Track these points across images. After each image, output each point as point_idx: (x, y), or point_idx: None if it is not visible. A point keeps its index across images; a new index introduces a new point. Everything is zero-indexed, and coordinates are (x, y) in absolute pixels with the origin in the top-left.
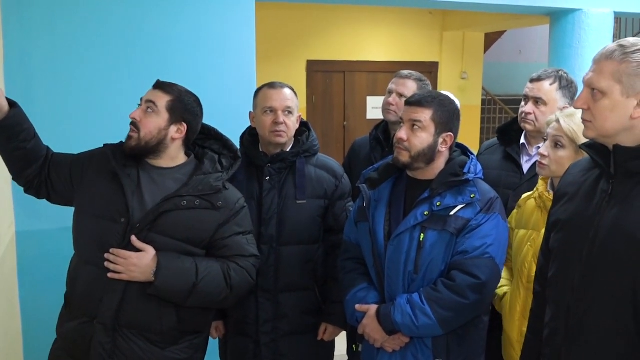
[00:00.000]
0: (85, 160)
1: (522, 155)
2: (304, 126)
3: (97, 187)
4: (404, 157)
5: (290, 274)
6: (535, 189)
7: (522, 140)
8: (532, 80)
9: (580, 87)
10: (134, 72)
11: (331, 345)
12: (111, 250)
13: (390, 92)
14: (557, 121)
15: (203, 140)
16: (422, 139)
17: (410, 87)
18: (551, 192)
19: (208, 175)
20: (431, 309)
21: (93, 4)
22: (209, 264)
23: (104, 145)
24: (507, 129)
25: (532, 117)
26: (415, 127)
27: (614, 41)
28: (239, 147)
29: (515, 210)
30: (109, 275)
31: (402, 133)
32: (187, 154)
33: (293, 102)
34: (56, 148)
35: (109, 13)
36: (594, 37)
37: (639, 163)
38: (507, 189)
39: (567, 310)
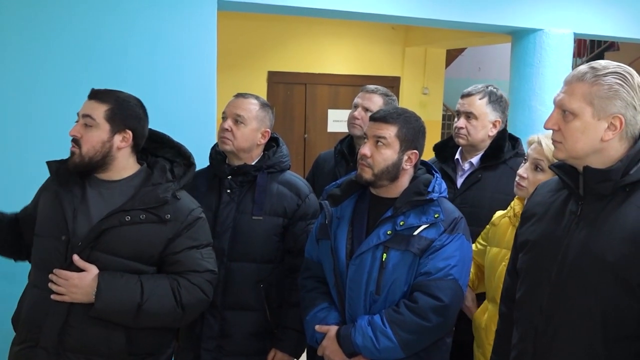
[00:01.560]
0: (37, 194)
1: (457, 170)
2: (273, 141)
3: (44, 208)
4: (367, 174)
5: (239, 291)
6: (510, 208)
7: (457, 156)
8: (462, 96)
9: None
10: (91, 82)
11: None
12: (54, 271)
13: (356, 106)
14: (539, 143)
15: (157, 148)
16: (386, 155)
17: (376, 102)
18: None
19: (157, 186)
20: (392, 332)
21: (48, 13)
22: (157, 282)
23: (46, 162)
24: (443, 145)
25: (464, 131)
26: (380, 143)
27: (573, 61)
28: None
29: (488, 227)
30: (52, 297)
31: (365, 149)
32: (140, 162)
33: (249, 112)
34: (12, 158)
35: (65, 20)
36: (554, 57)
37: (608, 185)
38: None
39: (535, 332)
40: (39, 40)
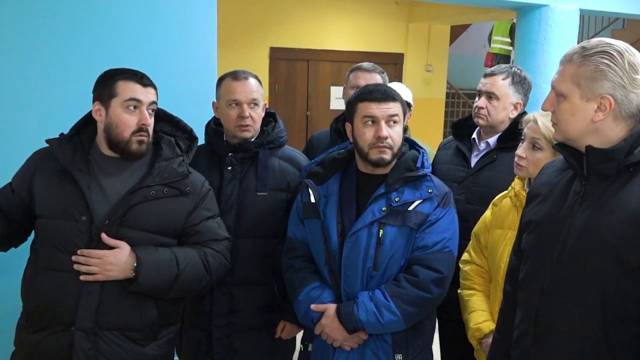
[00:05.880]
0: (26, 176)
1: (473, 150)
2: (270, 116)
3: (48, 189)
4: (388, 156)
5: (246, 267)
6: (510, 188)
7: (474, 135)
8: (485, 75)
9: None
10: (85, 59)
11: (290, 343)
12: (80, 252)
13: (357, 87)
14: (535, 121)
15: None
16: (399, 133)
17: (378, 81)
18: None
19: (170, 160)
20: (396, 305)
21: None
22: (186, 252)
23: (47, 140)
24: (462, 124)
25: (484, 111)
26: (393, 122)
27: (578, 38)
28: (203, 136)
29: (489, 211)
30: (82, 277)
31: (385, 131)
32: None
33: (258, 92)
34: (5, 135)
35: None
36: (560, 34)
37: (612, 165)
38: (453, 182)
39: (536, 314)
40: (32, 14)
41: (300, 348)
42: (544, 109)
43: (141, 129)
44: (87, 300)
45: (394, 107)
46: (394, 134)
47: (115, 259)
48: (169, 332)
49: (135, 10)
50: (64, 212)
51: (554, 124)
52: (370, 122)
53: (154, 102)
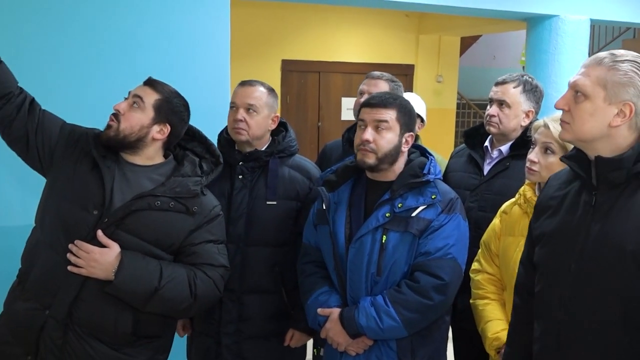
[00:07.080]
0: (75, 136)
1: (486, 157)
2: (281, 125)
3: (77, 170)
4: (371, 159)
5: (256, 275)
6: (518, 195)
7: (486, 143)
8: (497, 84)
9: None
10: (102, 72)
11: (299, 352)
12: (76, 242)
13: (362, 93)
14: (546, 126)
15: (186, 141)
16: (389, 139)
17: (382, 88)
18: None
19: (187, 178)
20: (396, 311)
21: (58, 2)
22: (175, 269)
23: (94, 130)
24: (473, 132)
25: (496, 119)
26: (381, 127)
27: (589, 48)
28: (216, 144)
29: (498, 219)
30: (69, 268)
31: (367, 134)
32: (165, 155)
33: (259, 100)
34: None
35: (75, 10)
36: (570, 44)
37: (621, 174)
38: (466, 189)
39: (557, 326)
40: (50, 31)
41: (314, 352)
42: (557, 107)
43: (113, 112)
44: (67, 291)
45: (386, 114)
46: (380, 139)
47: (101, 257)
48: (148, 342)
49: (150, 23)
50: (81, 201)
51: (564, 123)
52: (362, 126)
53: (137, 96)
